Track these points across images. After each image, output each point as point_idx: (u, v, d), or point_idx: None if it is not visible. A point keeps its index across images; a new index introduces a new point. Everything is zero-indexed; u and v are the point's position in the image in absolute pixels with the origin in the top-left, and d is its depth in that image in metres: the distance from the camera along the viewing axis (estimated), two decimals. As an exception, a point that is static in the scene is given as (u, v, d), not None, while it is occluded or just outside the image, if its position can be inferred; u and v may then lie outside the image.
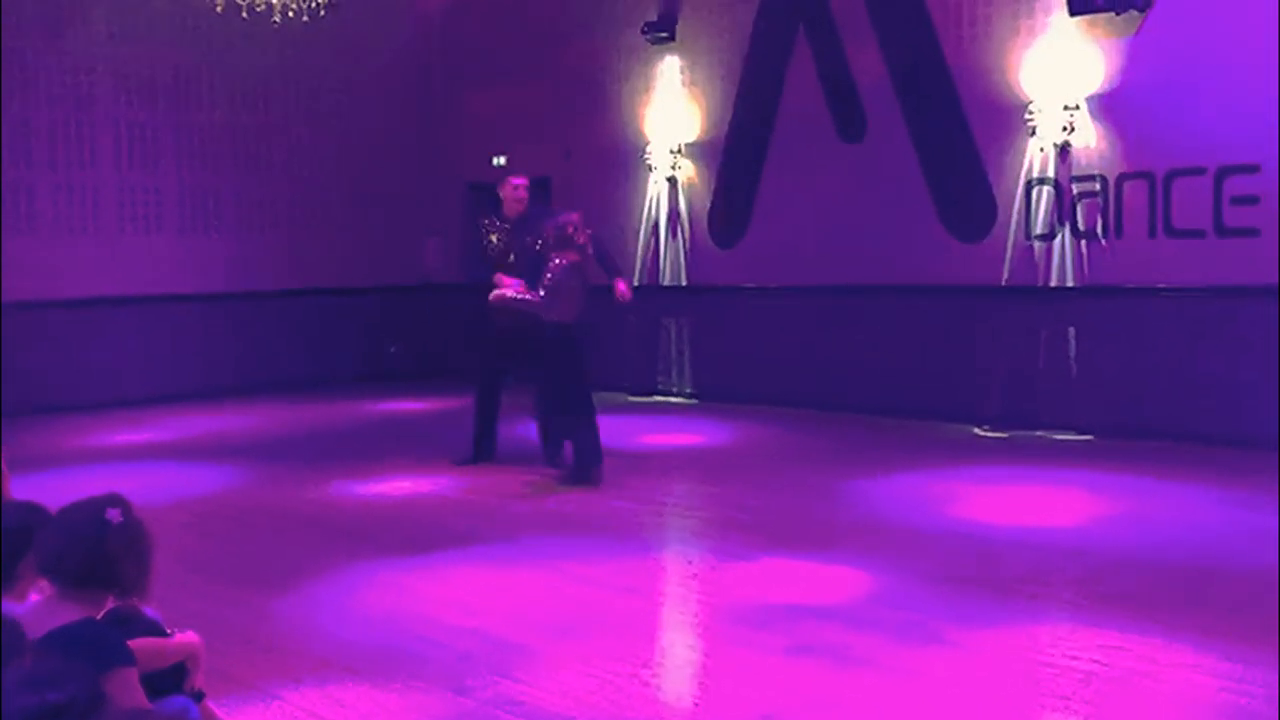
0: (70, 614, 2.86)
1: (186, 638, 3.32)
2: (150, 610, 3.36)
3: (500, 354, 8.44)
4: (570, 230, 7.71)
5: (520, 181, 8.46)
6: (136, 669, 2.86)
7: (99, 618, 2.95)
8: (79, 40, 12.10)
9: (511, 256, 8.36)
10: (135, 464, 9.06)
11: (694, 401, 11.95)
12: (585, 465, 7.85)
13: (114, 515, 2.96)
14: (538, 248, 8.06)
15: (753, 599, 5.39)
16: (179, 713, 3.16)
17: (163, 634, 3.31)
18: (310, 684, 4.41)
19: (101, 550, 2.92)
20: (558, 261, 7.71)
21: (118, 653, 2.83)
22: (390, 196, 14.27)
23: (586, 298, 7.84)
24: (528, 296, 7.89)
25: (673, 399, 12.13)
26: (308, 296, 13.67)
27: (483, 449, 8.61)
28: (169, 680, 3.25)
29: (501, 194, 8.47)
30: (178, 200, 12.86)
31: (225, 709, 3.99)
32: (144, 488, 7.36)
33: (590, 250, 7.91)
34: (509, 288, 8.04)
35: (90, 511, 2.98)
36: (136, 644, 2.97)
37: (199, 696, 3.30)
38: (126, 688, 2.79)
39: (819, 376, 11.04)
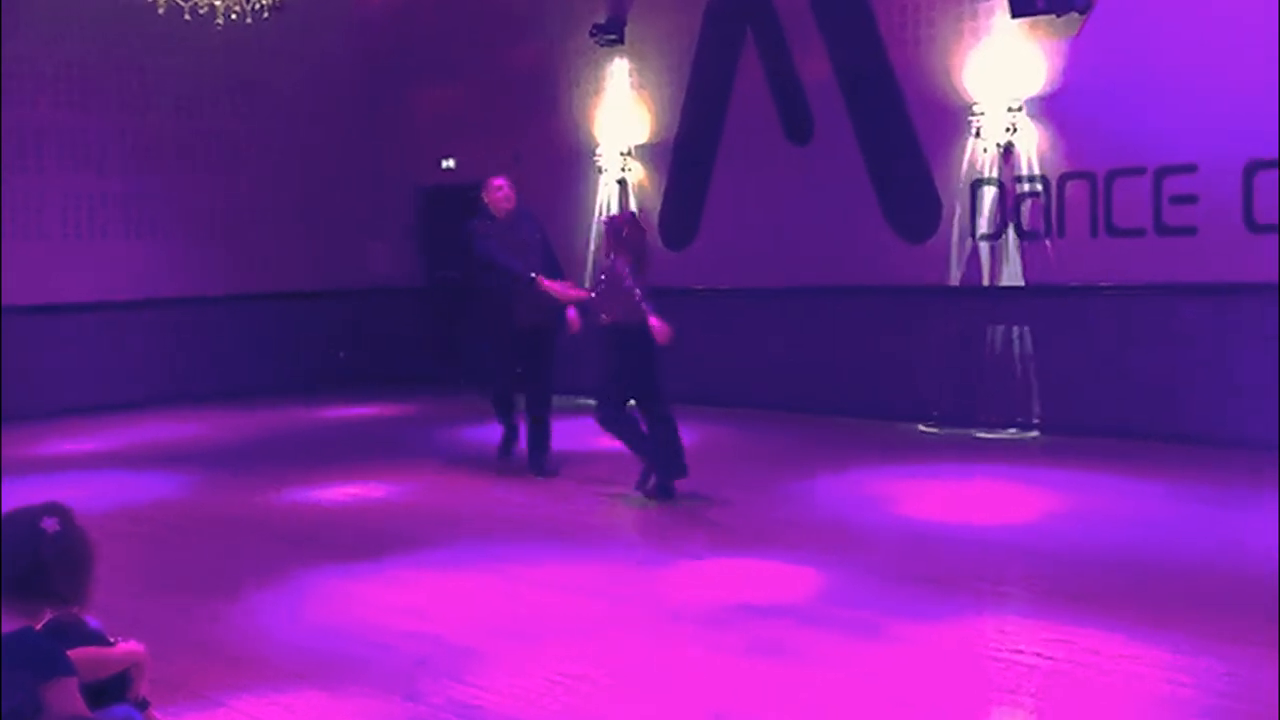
0: (8, 624, 2.83)
1: (129, 647, 3.28)
2: (93, 619, 3.33)
3: (518, 353, 8.36)
4: (626, 231, 7.64)
5: (501, 181, 8.50)
6: (76, 679, 2.83)
7: (38, 628, 2.92)
8: (16, 42, 11.91)
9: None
10: (83, 472, 8.94)
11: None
12: (664, 477, 7.56)
13: (50, 524, 2.93)
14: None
15: (704, 599, 5.42)
16: (121, 722, 3.13)
17: (105, 643, 3.27)
18: (260, 691, 4.37)
19: (36, 560, 2.89)
20: (625, 271, 7.36)
21: (56, 663, 2.80)
22: (337, 200, 14.16)
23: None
24: (648, 314, 7.26)
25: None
26: (255, 302, 13.54)
27: (508, 446, 8.70)
28: (114, 689, 3.21)
29: (487, 198, 8.47)
30: (121, 205, 12.68)
31: (173, 717, 3.96)
32: (92, 496, 7.30)
33: (646, 246, 7.74)
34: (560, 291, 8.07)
35: (25, 521, 2.95)
36: (77, 654, 2.93)
37: (143, 705, 3.26)
38: (66, 697, 2.77)
39: (769, 377, 11.10)
